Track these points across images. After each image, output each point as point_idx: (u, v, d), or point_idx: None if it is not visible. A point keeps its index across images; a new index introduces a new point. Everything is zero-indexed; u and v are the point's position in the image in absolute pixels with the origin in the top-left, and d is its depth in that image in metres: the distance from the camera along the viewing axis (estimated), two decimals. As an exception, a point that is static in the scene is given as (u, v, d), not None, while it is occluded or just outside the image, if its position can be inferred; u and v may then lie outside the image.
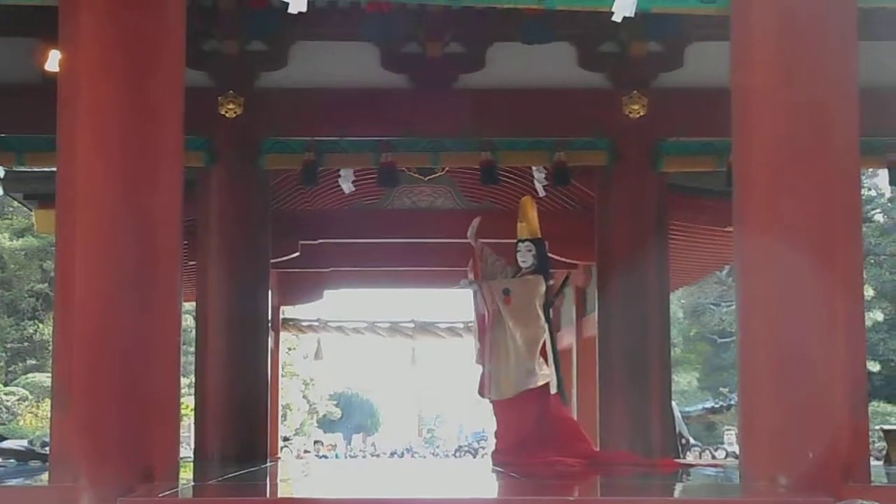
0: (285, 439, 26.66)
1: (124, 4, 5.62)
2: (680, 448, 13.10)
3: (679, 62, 10.06)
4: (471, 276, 9.19)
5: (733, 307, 12.70)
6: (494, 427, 9.24)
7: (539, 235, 9.14)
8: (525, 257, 9.08)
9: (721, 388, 33.17)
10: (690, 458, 18.49)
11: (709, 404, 32.40)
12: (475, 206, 13.11)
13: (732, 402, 28.42)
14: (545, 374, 8.86)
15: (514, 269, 9.18)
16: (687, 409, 29.41)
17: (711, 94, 8.23)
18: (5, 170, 11.55)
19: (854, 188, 5.71)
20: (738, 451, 7.79)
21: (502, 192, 12.15)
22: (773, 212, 5.57)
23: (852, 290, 5.56)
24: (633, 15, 6.45)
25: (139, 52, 5.61)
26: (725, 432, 27.63)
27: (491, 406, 9.12)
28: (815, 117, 5.58)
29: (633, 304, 9.94)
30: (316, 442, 38.14)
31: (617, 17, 6.42)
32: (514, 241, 9.16)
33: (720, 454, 23.90)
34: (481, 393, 9.11)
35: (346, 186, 11.33)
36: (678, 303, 33.89)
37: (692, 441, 22.79)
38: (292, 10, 6.26)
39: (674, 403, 11.11)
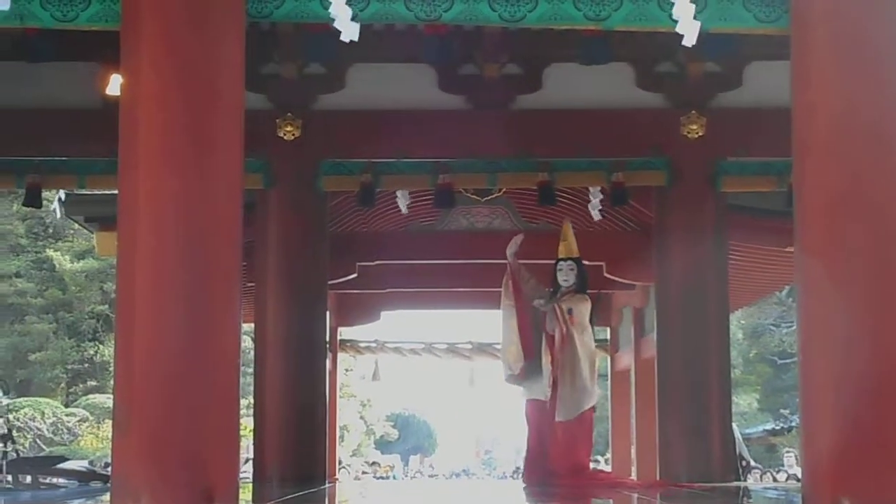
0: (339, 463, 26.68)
1: (185, 29, 5.67)
2: (741, 470, 12.95)
3: (738, 82, 9.99)
4: (506, 298, 9.20)
5: (794, 328, 12.58)
6: (551, 448, 9.07)
7: (578, 255, 9.24)
8: (567, 276, 9.18)
9: (781, 410, 32.78)
10: (751, 480, 18.29)
11: (769, 426, 32.06)
12: (532, 226, 13.08)
13: (793, 424, 28.12)
14: (598, 392, 8.94)
15: (549, 288, 9.21)
16: (747, 430, 29.10)
17: (771, 113, 8.24)
18: (66, 193, 11.68)
19: (917, 208, 5.64)
20: (798, 474, 7.71)
21: (559, 212, 12.11)
22: (834, 232, 5.51)
23: (916, 310, 5.48)
24: (695, 40, 6.46)
25: (199, 76, 5.66)
26: (785, 454, 27.27)
27: (551, 428, 8.99)
28: (876, 137, 5.52)
29: (692, 324, 9.85)
30: (373, 463, 38.14)
31: (688, 42, 6.44)
32: (554, 261, 9.28)
33: (781, 476, 23.65)
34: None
35: (402, 204, 11.53)
36: (738, 323, 33.60)
37: (753, 463, 22.55)
38: (344, 38, 6.34)
39: (734, 425, 10.98)
